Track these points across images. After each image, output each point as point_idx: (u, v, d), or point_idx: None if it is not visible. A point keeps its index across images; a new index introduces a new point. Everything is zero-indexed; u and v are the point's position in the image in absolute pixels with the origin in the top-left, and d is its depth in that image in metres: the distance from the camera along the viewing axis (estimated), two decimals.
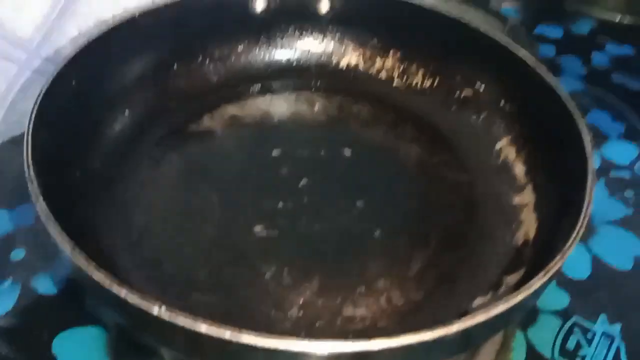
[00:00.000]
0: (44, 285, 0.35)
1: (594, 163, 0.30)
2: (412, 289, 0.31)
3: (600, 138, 0.50)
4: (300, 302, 0.30)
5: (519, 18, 0.65)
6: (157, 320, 0.21)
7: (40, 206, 0.24)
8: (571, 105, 0.33)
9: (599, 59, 0.60)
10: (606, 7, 0.68)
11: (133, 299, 0.21)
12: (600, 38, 0.63)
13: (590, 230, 0.41)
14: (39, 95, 0.31)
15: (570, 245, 0.25)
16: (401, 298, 0.31)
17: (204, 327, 0.21)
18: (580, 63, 0.59)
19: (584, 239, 0.40)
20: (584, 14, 0.67)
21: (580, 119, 0.32)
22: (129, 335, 0.31)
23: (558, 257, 0.24)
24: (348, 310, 0.30)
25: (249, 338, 0.21)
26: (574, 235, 0.25)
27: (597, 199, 0.43)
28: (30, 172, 0.25)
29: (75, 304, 0.33)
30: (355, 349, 0.20)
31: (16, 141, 0.44)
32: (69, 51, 0.44)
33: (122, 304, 0.21)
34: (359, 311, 0.30)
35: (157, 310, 0.21)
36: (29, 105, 0.44)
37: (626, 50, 0.61)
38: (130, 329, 0.27)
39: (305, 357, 0.21)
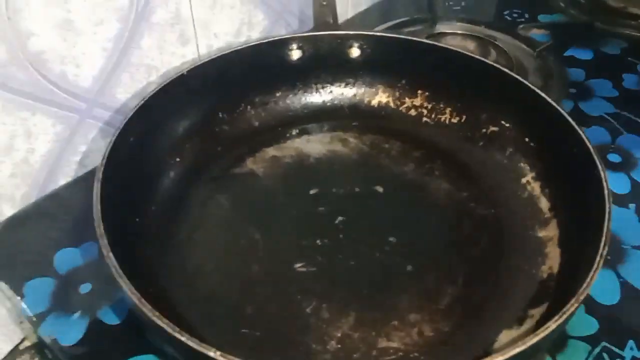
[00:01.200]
0: (109, 317, 0.38)
1: (611, 204, 0.31)
2: (441, 321, 0.34)
3: (631, 161, 0.50)
4: (339, 335, 0.33)
5: (548, 42, 0.66)
6: None
7: (110, 260, 0.28)
8: (591, 146, 0.34)
9: (629, 80, 0.60)
10: (637, 27, 0.68)
11: (193, 343, 0.24)
12: (631, 59, 0.63)
13: (620, 256, 0.42)
14: (103, 157, 0.34)
15: (584, 289, 0.26)
16: (431, 331, 0.33)
17: None
18: (611, 86, 0.59)
19: (614, 265, 0.41)
20: (615, 36, 0.67)
21: (599, 159, 0.34)
22: None
23: (573, 301, 0.26)
24: (382, 343, 0.33)
25: None
26: (589, 276, 0.27)
27: (627, 224, 0.44)
28: (100, 229, 0.29)
29: (137, 334, 0.36)
30: None
31: (78, 181, 0.49)
32: (123, 98, 0.49)
33: (184, 347, 0.25)
34: (393, 343, 0.33)
35: (213, 354, 0.24)
36: (89, 147, 0.49)
37: None
38: None
39: None
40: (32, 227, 0.45)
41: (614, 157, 0.51)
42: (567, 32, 0.68)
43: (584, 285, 0.27)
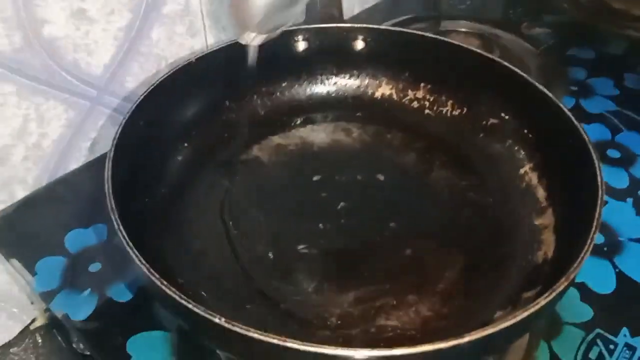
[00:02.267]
0: (118, 294, 0.40)
1: (604, 192, 0.32)
2: (438, 302, 0.35)
3: (630, 158, 0.51)
4: (339, 313, 0.34)
5: (551, 41, 0.67)
6: (217, 327, 0.26)
7: (121, 234, 0.29)
8: (586, 137, 0.35)
9: (631, 80, 0.61)
10: (639, 28, 0.69)
11: (199, 310, 0.26)
12: (633, 59, 0.64)
13: (616, 247, 0.43)
14: (114, 138, 0.36)
15: (574, 268, 0.28)
16: (428, 310, 0.34)
17: (255, 335, 0.25)
18: (613, 84, 0.60)
19: (610, 256, 0.42)
20: (617, 36, 0.68)
21: (594, 151, 0.35)
22: (190, 339, 0.36)
23: (563, 280, 0.27)
24: (381, 321, 0.34)
25: (291, 344, 0.25)
26: (580, 257, 0.28)
27: (624, 217, 0.45)
28: (111, 204, 0.30)
29: (144, 311, 0.38)
30: (379, 355, 0.24)
31: (88, 166, 0.50)
32: (132, 86, 0.50)
33: (190, 314, 0.26)
34: (391, 322, 0.34)
35: (217, 320, 0.26)
36: (99, 134, 0.50)
37: None
38: (194, 334, 0.32)
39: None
40: (44, 209, 0.46)
41: (613, 153, 0.52)
42: (569, 32, 0.69)
43: (574, 265, 0.28)
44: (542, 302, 0.26)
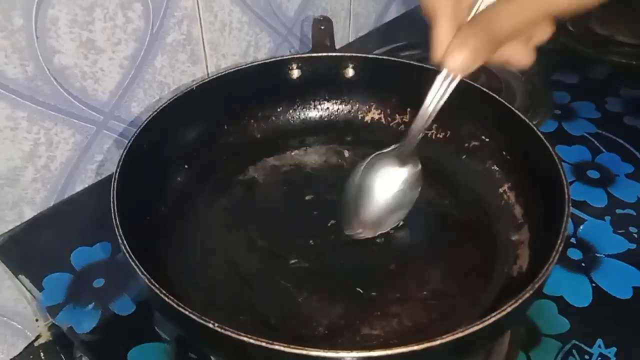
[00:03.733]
0: (121, 308, 0.42)
1: (570, 212, 0.35)
2: (420, 313, 0.37)
3: (609, 178, 0.54)
4: (326, 323, 0.37)
5: (536, 66, 0.69)
6: (211, 332, 0.28)
7: (124, 247, 0.32)
8: (558, 161, 0.38)
9: (612, 103, 0.64)
10: (622, 54, 0.71)
11: (194, 316, 0.28)
12: (616, 84, 0.66)
13: (594, 263, 0.45)
14: (119, 159, 0.38)
15: (540, 278, 0.30)
16: (410, 321, 0.37)
17: (245, 338, 0.27)
18: (595, 108, 0.63)
19: (588, 271, 0.44)
20: (601, 62, 0.70)
21: (564, 173, 0.37)
22: (187, 349, 0.38)
23: (529, 288, 0.29)
24: (365, 330, 0.36)
25: (279, 346, 0.27)
26: (544, 269, 0.30)
27: (602, 234, 0.48)
28: (116, 220, 0.33)
29: (145, 324, 0.40)
30: (359, 356, 0.27)
31: (93, 188, 0.53)
32: (137, 111, 0.53)
33: (186, 321, 0.28)
34: (375, 331, 0.36)
35: (212, 326, 0.28)
36: (105, 157, 0.53)
37: None
38: (191, 340, 0.34)
39: None
40: (51, 228, 0.49)
41: (593, 174, 0.54)
42: (554, 57, 0.71)
43: (540, 275, 0.30)
44: (508, 309, 0.28)
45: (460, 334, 0.27)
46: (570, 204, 0.35)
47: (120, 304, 0.42)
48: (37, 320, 0.53)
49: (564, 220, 0.33)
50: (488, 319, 0.28)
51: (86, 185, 0.53)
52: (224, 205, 0.45)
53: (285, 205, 0.46)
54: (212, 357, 0.37)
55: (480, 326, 0.27)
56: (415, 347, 0.27)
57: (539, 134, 0.40)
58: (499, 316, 0.28)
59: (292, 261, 0.41)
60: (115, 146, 0.53)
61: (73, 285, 0.44)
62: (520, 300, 0.28)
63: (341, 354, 0.27)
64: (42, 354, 0.53)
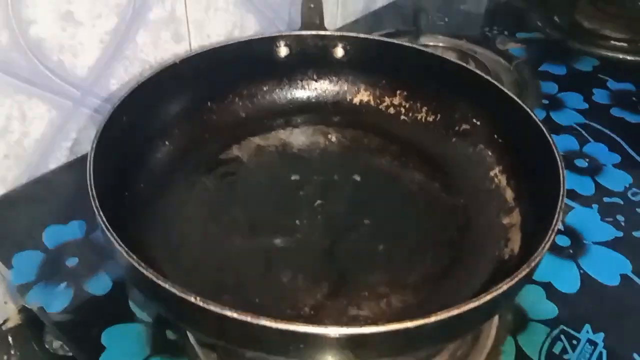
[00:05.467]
0: (94, 288, 0.40)
1: (565, 194, 0.34)
2: (408, 295, 0.36)
3: (596, 167, 0.54)
4: (312, 303, 0.35)
5: (524, 57, 0.70)
6: (193, 307, 0.27)
7: (100, 219, 0.30)
8: (553, 143, 0.37)
9: (599, 95, 0.64)
10: (609, 46, 0.72)
11: (175, 290, 0.26)
12: (602, 76, 0.67)
13: (581, 250, 0.45)
14: (96, 135, 0.36)
15: (536, 257, 0.29)
16: (399, 302, 0.35)
17: (229, 313, 0.26)
18: (582, 99, 0.63)
19: (575, 257, 0.44)
20: (588, 54, 0.71)
21: (560, 155, 0.36)
22: (164, 329, 0.36)
23: (522, 269, 0.28)
24: (353, 311, 0.35)
25: (266, 321, 0.26)
26: (538, 251, 0.29)
27: (589, 222, 0.47)
28: (95, 202, 0.31)
29: (121, 304, 0.39)
30: (348, 332, 0.25)
31: (68, 166, 0.51)
32: (116, 89, 0.51)
33: (166, 295, 0.27)
34: (362, 312, 0.35)
35: (193, 299, 0.26)
36: (81, 135, 0.51)
37: (627, 86, 0.65)
38: (170, 317, 0.32)
39: (304, 337, 0.26)
40: (23, 206, 0.47)
41: (580, 163, 0.54)
42: (542, 49, 0.71)
43: (536, 254, 0.29)
44: (505, 286, 0.27)
45: (456, 311, 0.26)
46: (565, 184, 0.34)
47: (94, 283, 0.41)
48: (5, 303, 0.51)
49: (560, 200, 0.32)
50: (484, 296, 0.27)
51: (61, 163, 0.51)
52: (207, 184, 0.44)
53: (270, 185, 0.45)
54: (191, 338, 0.36)
55: (477, 303, 0.26)
56: (409, 324, 0.25)
57: (533, 116, 0.40)
58: (495, 293, 0.27)
59: (277, 240, 0.39)
60: (92, 124, 0.51)
61: (45, 264, 0.42)
62: (516, 279, 0.28)
63: (330, 329, 0.25)
64: (10, 339, 0.51)
